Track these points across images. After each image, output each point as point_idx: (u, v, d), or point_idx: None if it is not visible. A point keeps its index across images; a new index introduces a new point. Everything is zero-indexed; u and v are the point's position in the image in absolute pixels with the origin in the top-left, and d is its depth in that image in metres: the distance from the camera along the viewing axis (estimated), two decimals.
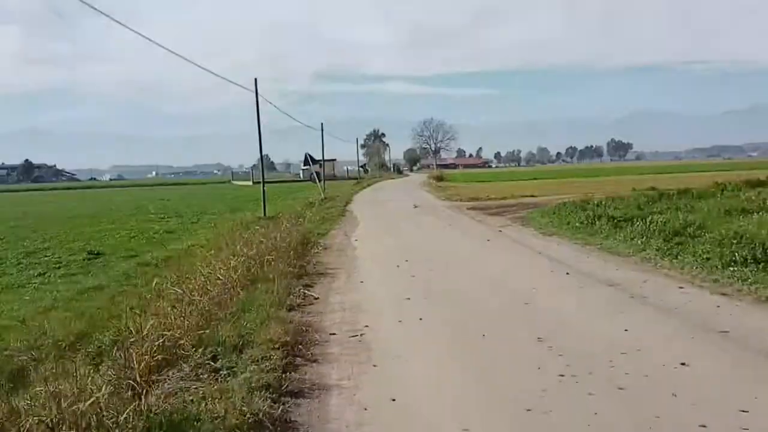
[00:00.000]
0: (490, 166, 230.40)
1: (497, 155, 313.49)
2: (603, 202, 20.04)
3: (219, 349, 6.38)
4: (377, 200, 35.19)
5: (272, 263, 11.42)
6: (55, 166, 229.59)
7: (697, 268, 10.62)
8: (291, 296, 9.29)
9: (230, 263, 11.11)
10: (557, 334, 7.06)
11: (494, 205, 26.99)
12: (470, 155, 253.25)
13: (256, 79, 31.09)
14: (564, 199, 28.02)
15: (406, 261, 12.54)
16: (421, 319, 8.09)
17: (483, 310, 8.46)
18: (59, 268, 17.51)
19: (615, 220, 15.90)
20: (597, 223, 16.13)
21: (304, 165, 37.08)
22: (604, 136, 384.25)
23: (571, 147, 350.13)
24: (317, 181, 35.07)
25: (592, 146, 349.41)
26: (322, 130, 58.53)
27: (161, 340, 6.26)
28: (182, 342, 6.49)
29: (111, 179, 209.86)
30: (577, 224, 16.63)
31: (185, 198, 57.14)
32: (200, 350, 6.26)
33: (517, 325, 7.63)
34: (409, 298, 9.34)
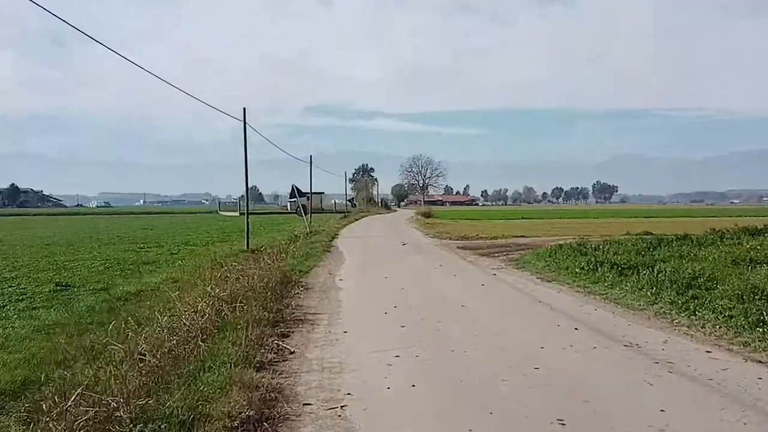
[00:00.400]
0: (477, 204, 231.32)
1: (484, 193, 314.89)
2: (601, 246, 18.96)
3: (163, 426, 5.09)
4: (364, 236, 33.96)
5: (246, 306, 10.14)
6: (41, 191, 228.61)
7: (720, 327, 9.50)
8: (262, 350, 8.02)
9: (197, 305, 9.82)
10: (580, 415, 5.83)
11: (485, 244, 25.89)
12: (457, 192, 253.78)
13: (244, 108, 30.15)
14: (557, 240, 27.13)
15: (395, 307, 11.29)
16: (413, 386, 6.82)
17: (486, 376, 7.20)
18: (22, 300, 16.00)
19: (618, 268, 14.77)
20: (599, 269, 15.01)
21: (291, 197, 35.31)
22: (588, 178, 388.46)
23: (557, 188, 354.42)
24: (303, 214, 33.78)
25: (578, 188, 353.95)
26: (311, 162, 57.63)
27: (91, 412, 4.98)
28: (119, 414, 5.20)
29: (98, 206, 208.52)
30: (576, 270, 15.52)
31: (170, 227, 55.97)
32: (139, 427, 4.97)
33: (532, 400, 6.34)
34: (398, 356, 8.08)
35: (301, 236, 32.14)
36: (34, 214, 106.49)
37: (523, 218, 70.04)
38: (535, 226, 45.78)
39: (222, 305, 10.24)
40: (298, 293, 12.80)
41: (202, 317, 9.23)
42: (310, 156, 57.75)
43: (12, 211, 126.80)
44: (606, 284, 13.75)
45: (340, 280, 15.29)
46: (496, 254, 21.68)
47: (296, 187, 33.49)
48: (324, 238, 28.74)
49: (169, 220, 73.68)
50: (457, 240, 28.76)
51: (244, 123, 29.89)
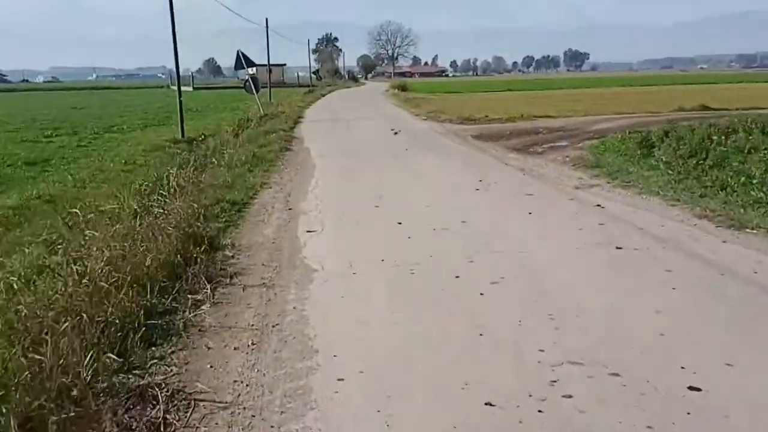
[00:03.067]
0: (447, 75, 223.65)
1: (453, 64, 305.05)
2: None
3: None
4: (338, 118, 26.33)
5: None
6: None
7: None
8: None
9: None
10: None
11: (506, 130, 18.84)
12: (425, 63, 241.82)
13: None
14: (604, 121, 20.38)
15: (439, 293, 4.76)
16: None
17: None
18: None
19: None
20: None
21: (236, 67, 26.39)
22: (558, 46, 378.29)
23: (527, 56, 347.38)
24: (253, 90, 25.84)
25: (549, 56, 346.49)
26: (267, 27, 48.61)
27: None
28: None
29: (44, 81, 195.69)
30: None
31: (105, 106, 48.18)
32: None
33: None
34: None
35: (253, 120, 24.69)
36: None
37: (509, 90, 63.01)
38: (535, 99, 38.64)
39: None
40: (217, 276, 5.65)
41: None
42: (266, 19, 48.86)
43: None
44: None
45: (308, 231, 7.45)
46: (534, 147, 14.81)
47: (242, 54, 24.43)
48: (283, 125, 21.25)
49: (110, 97, 65.22)
50: (462, 123, 21.58)
51: None
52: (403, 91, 59.90)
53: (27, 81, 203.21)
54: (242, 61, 24.63)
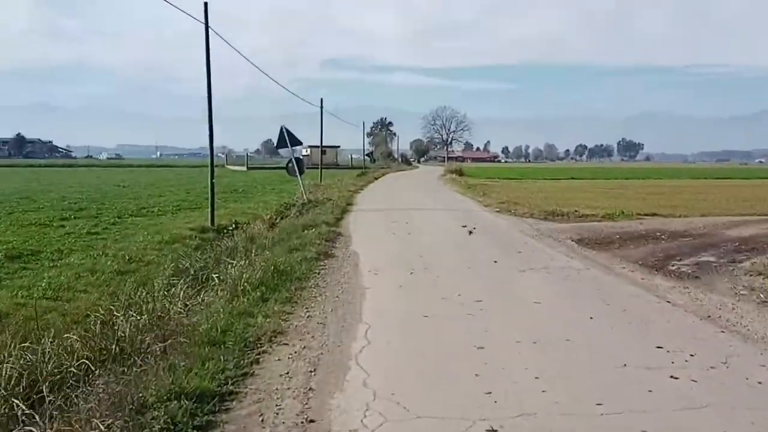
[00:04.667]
0: (498, 161, 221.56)
1: (505, 150, 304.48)
2: None
3: None
4: (394, 208, 22.32)
5: None
6: (50, 142, 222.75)
7: None
8: None
9: None
10: None
11: (615, 233, 14.51)
12: (477, 149, 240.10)
13: (206, 3, 18.85)
14: (740, 225, 15.83)
15: None
16: None
17: None
18: None
19: None
20: None
21: (278, 146, 21.81)
22: (611, 136, 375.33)
23: (580, 145, 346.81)
24: (297, 173, 21.90)
25: (602, 145, 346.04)
26: (321, 107, 46.30)
27: None
28: None
29: (109, 158, 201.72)
30: None
31: (150, 185, 45.67)
32: None
33: None
34: None
35: (295, 207, 21.02)
36: (25, 165, 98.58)
37: (573, 178, 58.86)
38: (612, 191, 34.25)
39: None
40: None
41: None
42: (321, 100, 46.69)
43: (8, 162, 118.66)
44: None
45: None
46: (671, 263, 10.43)
47: (286, 131, 20.61)
48: (328, 215, 17.37)
49: (162, 176, 63.59)
50: (549, 220, 17.35)
51: (206, 22, 18.61)
52: (460, 175, 56.60)
53: (91, 157, 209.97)
54: (285, 138, 21.02)
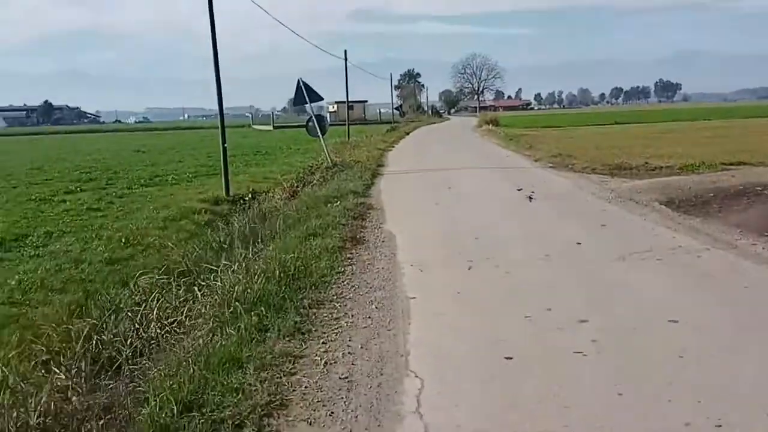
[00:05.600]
0: (532, 108, 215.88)
1: (537, 97, 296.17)
2: None
3: None
4: (431, 168, 19.59)
5: None
6: (78, 108, 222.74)
7: None
8: None
9: None
10: None
11: (708, 189, 11.82)
12: (509, 97, 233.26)
13: None
14: None
15: None
16: None
17: None
18: None
19: None
20: None
21: (296, 102, 18.94)
22: (647, 78, 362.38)
23: (616, 88, 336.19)
24: (318, 133, 18.89)
25: (638, 87, 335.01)
26: (345, 60, 43.35)
27: None
28: None
29: (137, 121, 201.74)
30: None
31: (170, 149, 43.44)
32: None
33: None
34: None
35: (318, 172, 18.58)
36: (51, 132, 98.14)
37: (617, 123, 55.33)
38: (667, 135, 31.00)
39: None
40: None
41: None
42: (345, 51, 43.66)
43: (36, 130, 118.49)
44: None
45: None
46: None
47: (304, 85, 18.86)
48: (356, 181, 14.82)
49: (184, 138, 61.44)
50: (617, 176, 14.61)
51: None
52: (496, 126, 53.36)
53: (119, 121, 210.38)
54: (303, 92, 18.09)
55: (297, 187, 17.27)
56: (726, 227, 8.74)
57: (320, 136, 18.87)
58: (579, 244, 7.84)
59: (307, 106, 18.62)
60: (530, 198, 11.74)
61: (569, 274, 6.69)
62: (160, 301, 6.00)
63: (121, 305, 6.91)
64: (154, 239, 13.04)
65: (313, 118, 18.84)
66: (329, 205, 11.19)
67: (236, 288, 5.64)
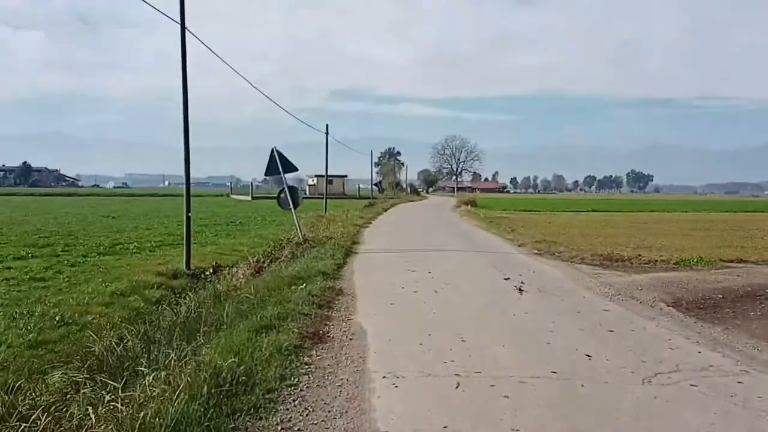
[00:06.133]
0: (507, 192, 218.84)
1: (513, 180, 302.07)
2: None
3: None
4: (410, 248, 18.24)
5: None
6: (57, 170, 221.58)
7: None
8: None
9: None
10: None
11: (716, 290, 10.66)
12: (485, 179, 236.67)
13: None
14: None
15: None
16: None
17: None
18: None
19: None
20: None
21: (268, 172, 17.32)
22: (619, 167, 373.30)
23: (589, 176, 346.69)
24: (290, 205, 17.46)
25: (611, 176, 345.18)
26: (327, 133, 42.87)
27: None
28: None
29: (116, 186, 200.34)
30: None
31: (141, 216, 41.77)
32: None
33: None
34: None
35: (289, 246, 17.20)
36: (26, 194, 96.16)
37: (594, 210, 55.04)
38: (647, 227, 30.39)
39: None
40: None
41: None
42: (326, 125, 43.33)
43: (9, 191, 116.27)
44: None
45: None
46: None
47: (278, 153, 17.58)
48: (327, 259, 13.50)
49: (160, 206, 59.81)
50: (610, 268, 13.50)
51: (182, 21, 15.12)
52: (473, 206, 53.00)
53: (97, 186, 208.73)
54: (277, 162, 16.83)
55: (263, 263, 15.86)
56: (754, 340, 7.49)
57: (292, 208, 17.53)
58: (589, 357, 6.46)
59: (281, 176, 17.30)
60: (520, 290, 10.45)
61: (588, 404, 5.23)
62: (50, 420, 4.48)
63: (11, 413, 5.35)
64: (95, 318, 11.52)
65: (286, 189, 17.51)
66: (293, 287, 9.79)
67: (148, 409, 4.17)
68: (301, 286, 9.75)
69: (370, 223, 30.55)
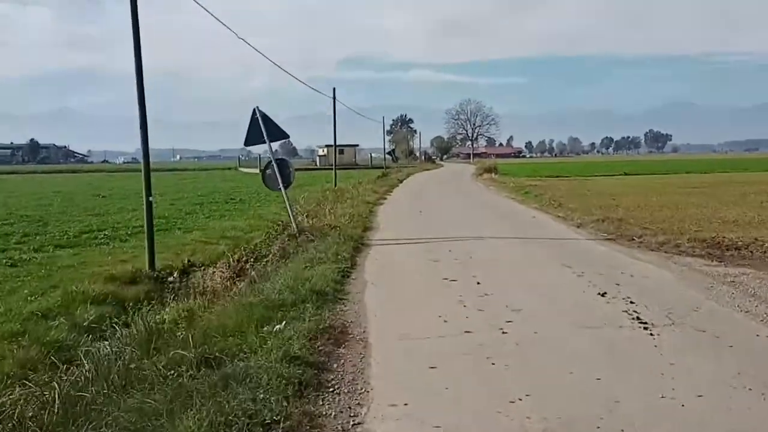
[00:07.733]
0: (523, 156, 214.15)
1: (528, 145, 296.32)
2: None
3: None
4: (438, 236, 13.41)
5: None
6: (66, 146, 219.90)
7: None
8: None
9: None
10: None
11: None
12: (500, 144, 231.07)
13: None
14: None
15: None
16: None
17: None
18: None
19: None
20: None
21: (249, 140, 13.24)
22: (635, 128, 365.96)
23: (606, 137, 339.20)
24: (279, 184, 12.93)
25: (629, 137, 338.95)
26: (334, 98, 38.73)
27: None
28: None
29: (125, 162, 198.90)
30: None
31: (136, 194, 38.11)
32: None
33: None
34: None
35: (281, 239, 13.19)
36: (27, 172, 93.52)
37: (626, 174, 50.77)
38: (707, 192, 26.04)
39: None
40: None
41: None
42: (333, 89, 39.19)
43: (11, 169, 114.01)
44: None
45: None
46: None
47: (260, 115, 12.45)
48: (328, 263, 9.35)
49: (159, 181, 56.09)
50: (713, 256, 9.56)
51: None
52: (494, 173, 49.02)
53: (106, 161, 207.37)
54: (261, 126, 12.36)
55: (246, 261, 11.97)
56: None
57: (282, 188, 13.05)
58: None
59: (267, 145, 12.70)
60: (644, 324, 6.27)
61: None
62: None
63: None
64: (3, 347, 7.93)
65: (273, 163, 12.91)
66: (265, 329, 5.85)
67: None
68: (277, 327, 5.81)
69: (385, 198, 26.52)
